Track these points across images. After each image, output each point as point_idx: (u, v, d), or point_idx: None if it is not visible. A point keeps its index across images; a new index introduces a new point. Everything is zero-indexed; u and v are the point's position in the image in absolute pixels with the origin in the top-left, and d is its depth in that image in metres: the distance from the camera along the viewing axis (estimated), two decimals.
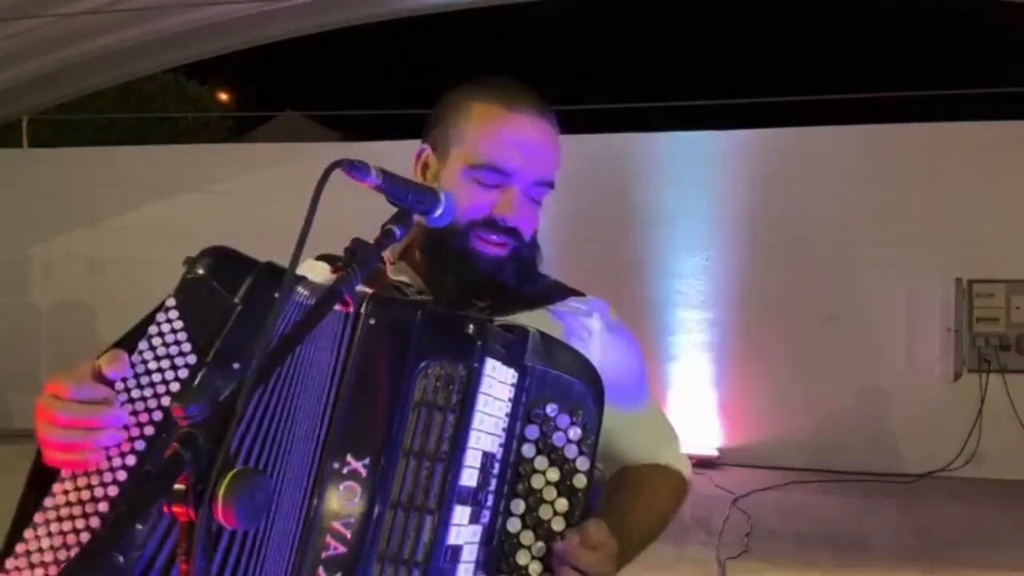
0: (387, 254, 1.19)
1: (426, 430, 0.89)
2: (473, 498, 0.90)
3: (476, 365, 0.91)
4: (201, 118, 17.05)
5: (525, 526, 0.94)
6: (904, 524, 4.70)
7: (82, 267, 7.05)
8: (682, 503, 1.25)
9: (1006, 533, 4.45)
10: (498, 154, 1.11)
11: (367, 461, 0.86)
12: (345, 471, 0.86)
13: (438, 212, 1.00)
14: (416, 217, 1.12)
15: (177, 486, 0.64)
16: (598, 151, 6.32)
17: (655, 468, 1.23)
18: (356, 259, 0.87)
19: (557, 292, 1.21)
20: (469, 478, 0.90)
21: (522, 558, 0.93)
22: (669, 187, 6.11)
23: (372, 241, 0.92)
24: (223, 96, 19.06)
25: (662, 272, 6.09)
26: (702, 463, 5.75)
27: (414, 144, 1.23)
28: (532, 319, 1.08)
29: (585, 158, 6.30)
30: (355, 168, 0.92)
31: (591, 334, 1.17)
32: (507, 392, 0.95)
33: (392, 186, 0.96)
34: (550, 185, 1.16)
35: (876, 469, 5.56)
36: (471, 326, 0.93)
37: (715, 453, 5.90)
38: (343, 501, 0.85)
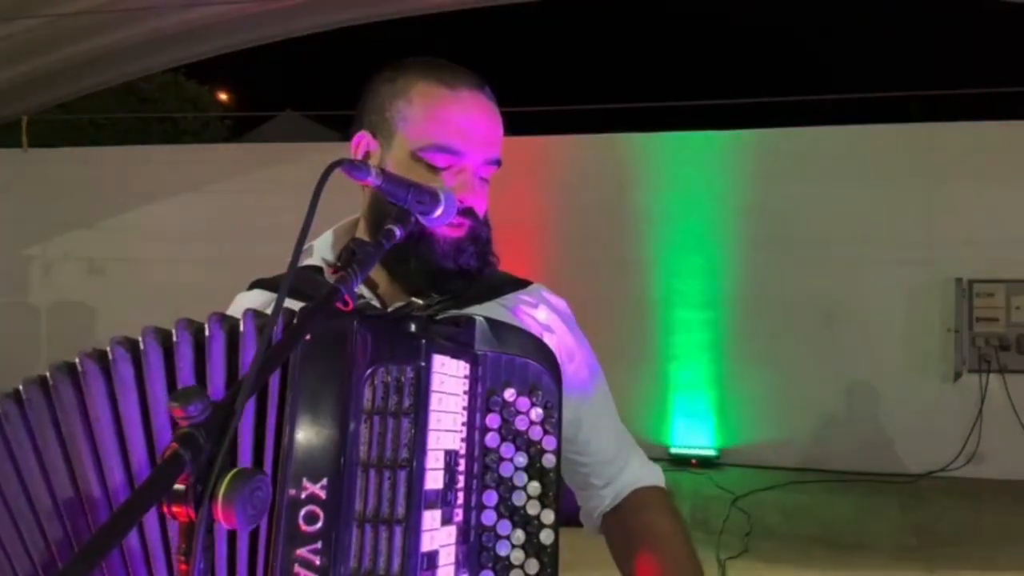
0: (323, 260, 1.16)
1: (382, 439, 0.86)
2: (442, 499, 0.88)
3: (423, 364, 0.88)
4: (201, 118, 17.06)
5: (501, 516, 0.93)
6: (904, 524, 4.69)
7: (82, 267, 7.05)
8: (679, 509, 1.24)
9: (1006, 533, 4.44)
10: (446, 134, 1.09)
11: (324, 482, 0.83)
12: (303, 496, 0.83)
13: (438, 212, 0.99)
14: (366, 210, 1.13)
15: (177, 486, 0.64)
16: (598, 151, 6.32)
17: (648, 498, 1.21)
18: (356, 259, 0.87)
19: (505, 285, 1.19)
20: (434, 480, 0.88)
21: (503, 548, 0.92)
22: (669, 187, 6.11)
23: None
24: (223, 96, 19.06)
25: (662, 272, 6.08)
26: (702, 463, 5.76)
27: None
28: (482, 312, 1.06)
29: (585, 158, 6.31)
30: (355, 168, 0.92)
31: (540, 325, 1.17)
32: (461, 385, 0.93)
33: (392, 185, 0.96)
34: (498, 163, 1.14)
35: (876, 469, 5.55)
36: (412, 325, 0.90)
37: (715, 453, 5.89)
38: (306, 527, 0.83)
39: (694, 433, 5.90)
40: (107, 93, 11.24)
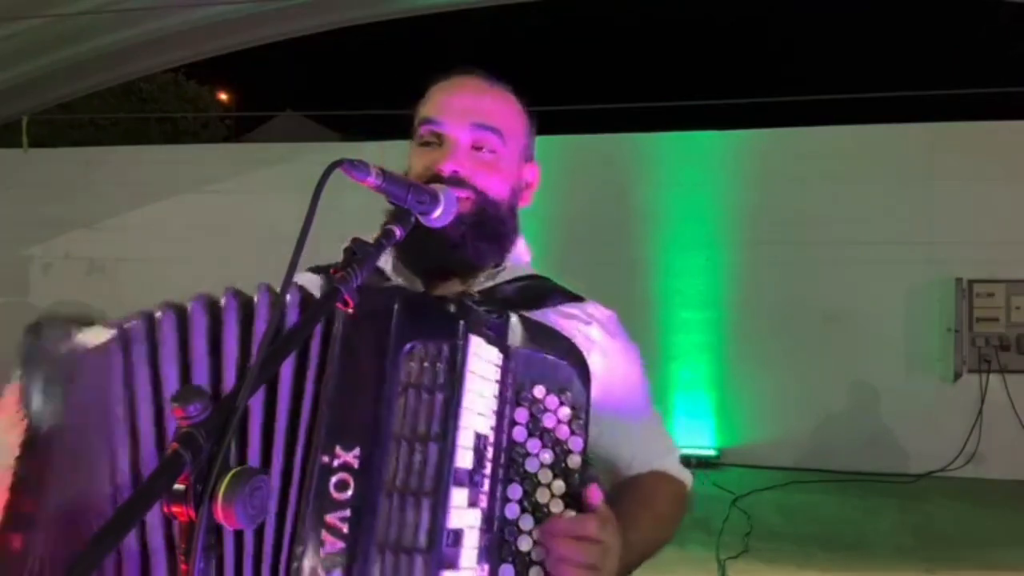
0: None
1: (416, 412, 0.87)
2: (470, 480, 0.88)
3: (461, 342, 0.89)
4: (201, 118, 17.08)
5: (524, 511, 0.93)
6: (904, 524, 4.69)
7: (82, 267, 7.05)
8: (685, 510, 1.23)
9: (1006, 533, 4.45)
10: (430, 109, 1.16)
11: (357, 451, 0.84)
12: (335, 464, 0.84)
13: (437, 212, 1.00)
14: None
15: (177, 486, 0.64)
16: (598, 151, 6.32)
17: (658, 475, 1.22)
18: (355, 259, 0.87)
19: (553, 295, 1.20)
20: (464, 459, 0.88)
21: (524, 544, 0.92)
22: (669, 187, 6.11)
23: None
24: (223, 96, 19.09)
25: (662, 272, 6.09)
26: (702, 463, 5.76)
27: None
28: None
29: (585, 158, 6.30)
30: (355, 168, 0.92)
31: (592, 343, 1.15)
32: (494, 373, 0.94)
33: (392, 186, 0.96)
34: (492, 130, 1.15)
35: (876, 469, 5.56)
36: (452, 306, 0.92)
37: (715, 453, 5.89)
38: (336, 494, 0.83)
39: (694, 433, 5.90)
40: (107, 93, 11.28)
